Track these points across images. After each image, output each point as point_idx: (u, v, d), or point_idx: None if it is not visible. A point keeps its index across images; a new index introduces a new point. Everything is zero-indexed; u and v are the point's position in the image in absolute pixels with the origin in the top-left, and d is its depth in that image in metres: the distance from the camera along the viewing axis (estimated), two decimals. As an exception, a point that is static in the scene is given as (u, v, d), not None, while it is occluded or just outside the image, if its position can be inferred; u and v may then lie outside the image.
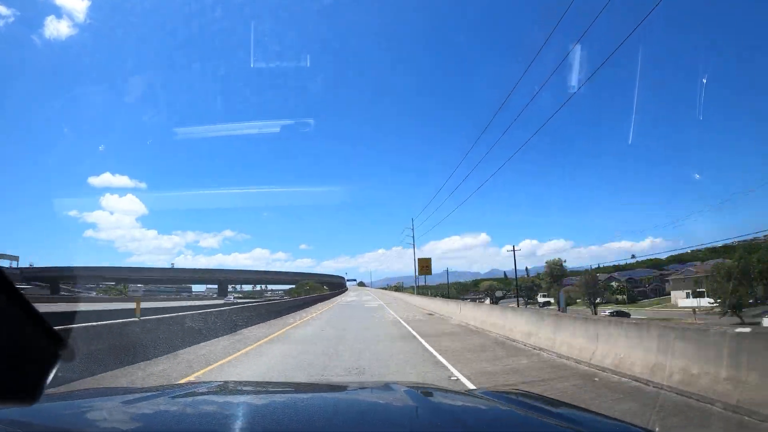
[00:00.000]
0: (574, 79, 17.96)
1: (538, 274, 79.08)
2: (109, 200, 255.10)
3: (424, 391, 1.78)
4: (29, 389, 0.68)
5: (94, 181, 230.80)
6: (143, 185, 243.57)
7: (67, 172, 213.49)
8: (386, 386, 1.92)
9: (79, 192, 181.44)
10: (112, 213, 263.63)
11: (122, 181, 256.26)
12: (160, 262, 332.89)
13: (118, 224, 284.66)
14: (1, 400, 0.72)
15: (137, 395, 1.72)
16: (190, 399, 1.72)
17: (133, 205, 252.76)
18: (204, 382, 2.98)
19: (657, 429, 2.07)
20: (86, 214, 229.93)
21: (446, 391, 2.13)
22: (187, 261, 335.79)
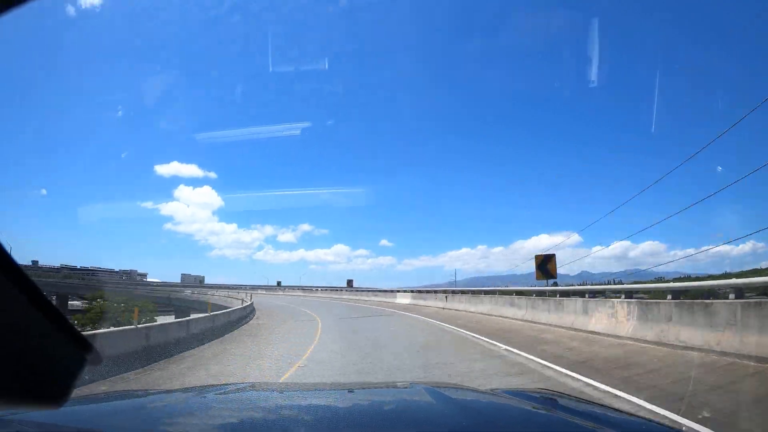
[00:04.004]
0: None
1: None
2: (183, 191, 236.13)
3: (448, 391, 1.81)
4: (56, 392, 0.69)
5: (161, 170, 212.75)
6: (213, 175, 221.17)
7: (129, 159, 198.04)
8: (410, 385, 2.01)
9: (149, 181, 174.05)
10: (188, 205, 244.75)
11: (192, 170, 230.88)
12: (242, 256, 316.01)
13: (195, 217, 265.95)
14: (29, 403, 0.74)
15: (163, 397, 1.74)
16: (217, 401, 1.70)
17: (209, 197, 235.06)
18: (230, 384, 3.13)
19: (684, 429, 1.88)
20: (162, 206, 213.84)
21: (469, 390, 2.23)
22: (267, 256, 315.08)
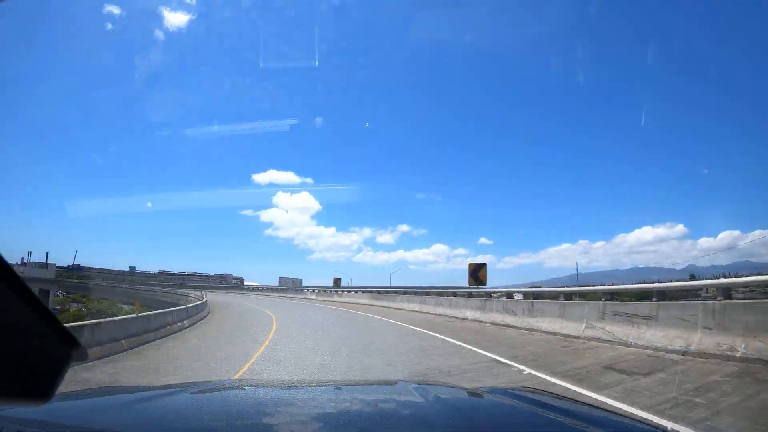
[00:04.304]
0: None
1: None
2: (281, 198, 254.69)
3: (435, 388, 1.83)
4: (42, 388, 0.69)
5: (259, 178, 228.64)
6: (310, 180, 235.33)
7: (229, 169, 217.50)
8: (396, 383, 2.07)
9: (248, 189, 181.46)
10: (286, 211, 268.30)
11: (289, 177, 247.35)
12: (341, 258, 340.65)
13: (294, 222, 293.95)
14: (14, 399, 0.73)
15: (149, 393, 1.74)
16: (206, 397, 1.73)
17: (306, 201, 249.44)
18: (216, 381, 3.25)
19: (669, 428, 1.69)
20: (262, 213, 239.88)
21: (457, 387, 2.36)
22: (366, 257, 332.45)
